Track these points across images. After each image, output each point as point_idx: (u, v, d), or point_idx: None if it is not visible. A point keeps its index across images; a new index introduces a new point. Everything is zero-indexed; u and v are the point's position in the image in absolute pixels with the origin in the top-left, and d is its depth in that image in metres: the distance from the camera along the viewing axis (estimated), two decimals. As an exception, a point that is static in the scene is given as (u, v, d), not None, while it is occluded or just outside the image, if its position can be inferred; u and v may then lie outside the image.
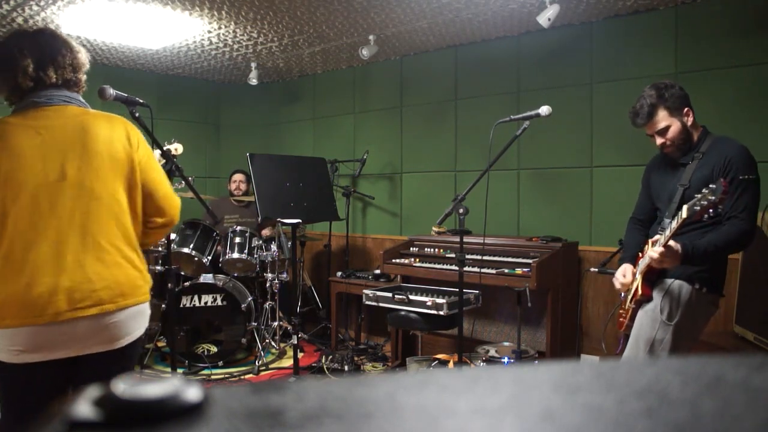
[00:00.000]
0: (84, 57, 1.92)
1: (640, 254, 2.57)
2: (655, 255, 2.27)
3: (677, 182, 2.45)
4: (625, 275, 2.55)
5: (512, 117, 2.97)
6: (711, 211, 2.03)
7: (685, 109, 2.43)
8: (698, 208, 2.04)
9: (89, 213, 1.77)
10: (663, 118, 2.43)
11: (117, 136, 1.85)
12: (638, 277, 2.47)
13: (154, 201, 1.92)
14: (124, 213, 1.84)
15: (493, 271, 3.87)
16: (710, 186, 2.03)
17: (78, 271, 1.72)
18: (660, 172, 2.60)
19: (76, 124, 1.80)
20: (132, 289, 1.81)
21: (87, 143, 1.79)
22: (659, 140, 2.47)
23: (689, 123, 2.44)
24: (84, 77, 1.92)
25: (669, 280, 2.41)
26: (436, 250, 4.42)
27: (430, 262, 4.32)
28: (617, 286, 2.59)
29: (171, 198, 1.99)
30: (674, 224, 2.19)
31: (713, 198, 2.00)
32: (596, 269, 3.68)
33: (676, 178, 2.47)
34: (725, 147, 2.37)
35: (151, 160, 1.94)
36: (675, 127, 2.42)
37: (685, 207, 2.11)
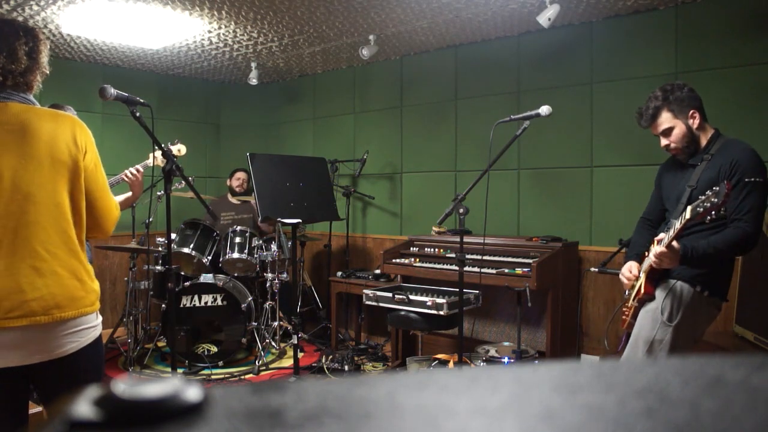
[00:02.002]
0: (45, 57, 1.80)
1: (646, 253, 2.57)
2: (657, 253, 2.28)
3: (686, 183, 2.46)
4: (631, 270, 2.57)
5: (512, 117, 2.97)
6: (713, 213, 2.03)
7: (691, 112, 2.42)
8: (701, 209, 2.05)
9: (25, 218, 1.66)
10: (666, 120, 2.42)
11: (62, 136, 1.72)
12: (642, 275, 2.48)
13: (91, 213, 1.81)
14: (65, 218, 1.72)
15: (493, 271, 3.87)
16: (714, 188, 2.04)
17: (8, 279, 1.62)
18: (671, 173, 2.60)
19: (14, 122, 1.68)
20: (69, 301, 1.69)
21: (25, 143, 1.67)
22: (663, 141, 2.47)
23: (695, 125, 2.43)
24: (39, 78, 1.80)
25: (672, 281, 2.41)
26: (436, 250, 4.42)
27: (430, 262, 4.32)
28: (622, 280, 2.61)
29: (109, 211, 1.87)
30: (678, 224, 2.20)
31: (716, 200, 2.00)
32: (596, 269, 3.68)
33: (685, 179, 2.48)
34: (733, 149, 2.36)
35: (97, 169, 1.81)
36: (678, 129, 2.42)
37: (688, 207, 2.11)
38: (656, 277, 2.43)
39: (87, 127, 1.81)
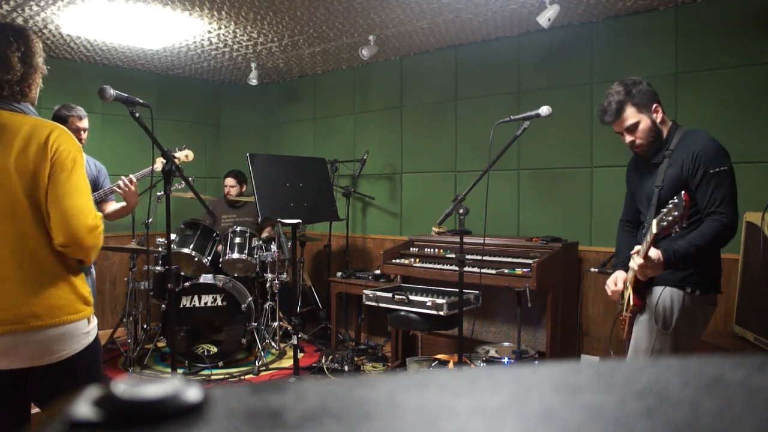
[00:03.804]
0: (40, 58, 1.77)
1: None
2: (636, 267, 2.25)
3: (653, 183, 2.41)
4: (616, 283, 2.53)
5: (512, 117, 2.96)
6: (677, 227, 1.99)
7: (654, 106, 2.38)
8: (665, 224, 2.00)
9: None
10: (631, 115, 2.37)
11: (34, 143, 1.65)
12: (628, 287, 2.44)
13: (53, 218, 1.67)
14: (32, 230, 1.66)
15: (493, 272, 3.87)
16: (673, 201, 1.99)
17: None
18: (638, 172, 2.56)
19: None
20: (47, 310, 1.67)
21: None
22: (628, 138, 2.42)
23: (658, 119, 2.39)
24: (38, 81, 1.78)
25: (659, 288, 2.35)
26: (436, 250, 4.42)
27: (430, 263, 4.32)
28: (609, 293, 2.58)
29: (75, 218, 1.67)
30: (649, 238, 2.16)
31: (677, 213, 1.96)
32: (596, 269, 3.69)
33: (653, 178, 2.43)
34: (691, 142, 2.31)
35: (64, 173, 1.67)
36: (644, 123, 2.37)
37: (654, 222, 2.07)
38: (642, 287, 2.39)
39: (69, 135, 1.74)
